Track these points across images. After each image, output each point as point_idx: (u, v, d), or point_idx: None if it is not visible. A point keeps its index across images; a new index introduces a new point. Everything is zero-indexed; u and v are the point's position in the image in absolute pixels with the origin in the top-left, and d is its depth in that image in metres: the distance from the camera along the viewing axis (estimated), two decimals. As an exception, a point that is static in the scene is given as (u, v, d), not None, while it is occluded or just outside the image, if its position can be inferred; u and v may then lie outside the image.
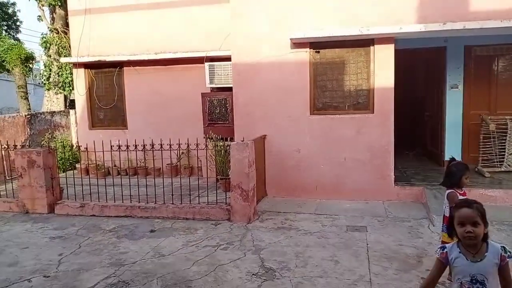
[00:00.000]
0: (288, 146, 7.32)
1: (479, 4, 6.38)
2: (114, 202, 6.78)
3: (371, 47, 6.88)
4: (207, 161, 7.23)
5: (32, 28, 60.72)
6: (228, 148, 6.81)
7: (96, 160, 8.13)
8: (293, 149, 7.30)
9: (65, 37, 12.68)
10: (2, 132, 9.72)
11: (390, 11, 6.68)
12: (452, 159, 4.14)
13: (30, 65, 14.70)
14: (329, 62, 7.13)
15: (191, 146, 6.47)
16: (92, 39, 9.97)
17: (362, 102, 7.08)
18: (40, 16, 14.18)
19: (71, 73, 11.48)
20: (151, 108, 9.83)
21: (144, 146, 6.59)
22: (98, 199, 6.86)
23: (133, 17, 9.73)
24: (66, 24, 12.26)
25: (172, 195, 6.57)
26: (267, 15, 7.22)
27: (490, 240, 2.32)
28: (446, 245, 2.43)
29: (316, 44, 7.06)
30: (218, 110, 8.60)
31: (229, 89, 8.08)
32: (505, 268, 2.26)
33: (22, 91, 14.02)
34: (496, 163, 7.50)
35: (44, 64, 13.45)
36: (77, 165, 10.17)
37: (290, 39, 6.97)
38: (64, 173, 9.23)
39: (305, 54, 7.12)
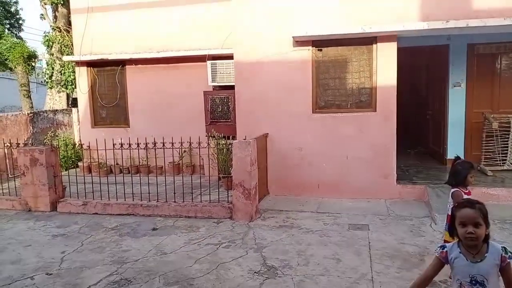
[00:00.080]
0: (290, 144, 7.31)
1: (482, 2, 6.35)
2: (117, 200, 6.80)
3: (374, 45, 6.86)
4: (209, 160, 7.23)
5: (35, 27, 60.86)
6: (230, 146, 6.81)
7: (98, 158, 8.15)
8: (295, 148, 7.30)
9: (67, 35, 12.70)
10: (5, 130, 9.75)
11: (393, 9, 6.66)
12: (457, 157, 4.13)
13: (33, 64, 14.75)
14: (332, 60, 7.12)
15: (193, 144, 6.47)
16: (94, 38, 9.99)
17: (365, 100, 7.06)
18: (42, 15, 14.20)
19: (74, 72, 11.50)
20: (153, 106, 9.84)
21: (146, 144, 6.60)
22: (100, 197, 6.88)
23: (136, 16, 9.74)
24: (69, 23, 12.27)
25: (174, 193, 6.58)
26: (269, 13, 7.21)
27: (491, 241, 2.28)
28: (446, 244, 2.40)
29: (319, 42, 7.05)
30: (220, 108, 8.61)
31: (231, 87, 8.08)
32: (507, 268, 2.23)
33: (24, 90, 14.05)
34: (498, 162, 7.48)
35: (47, 63, 13.47)
36: (80, 164, 10.20)
37: (293, 37, 6.96)
38: (67, 171, 9.22)
39: (307, 52, 7.11)
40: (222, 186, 7.37)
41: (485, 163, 7.49)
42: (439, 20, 6.33)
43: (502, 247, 2.25)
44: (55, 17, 13.59)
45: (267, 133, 7.39)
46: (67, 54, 12.00)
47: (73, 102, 13.19)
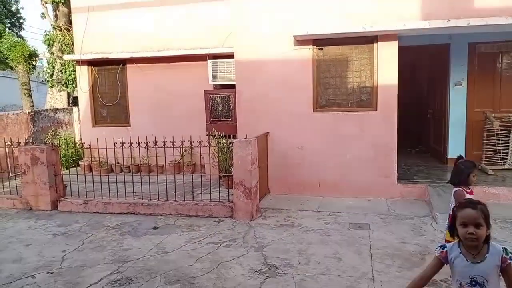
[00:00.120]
0: (291, 143, 7.31)
1: (483, 1, 6.34)
2: (117, 199, 6.80)
3: (375, 44, 6.85)
4: (210, 159, 7.24)
5: (36, 26, 60.86)
6: (231, 145, 6.81)
7: (99, 157, 8.15)
8: (296, 147, 7.30)
9: (68, 34, 12.70)
10: (6, 129, 9.76)
11: (394, 7, 6.65)
12: (460, 157, 4.12)
13: (34, 63, 14.74)
14: (332, 59, 7.11)
15: (194, 143, 6.47)
16: (95, 37, 9.99)
17: (365, 99, 7.06)
18: (43, 14, 14.21)
19: (74, 71, 11.50)
20: (154, 105, 9.84)
21: (147, 143, 6.60)
22: (101, 196, 6.88)
23: (136, 14, 9.73)
24: (69, 21, 12.27)
25: (175, 192, 6.59)
26: (270, 12, 7.20)
27: (491, 242, 2.26)
28: (447, 244, 2.39)
29: (319, 41, 7.05)
30: (221, 107, 8.60)
31: (232, 86, 8.07)
32: (508, 269, 2.21)
33: (25, 88, 14.05)
34: (499, 161, 7.48)
35: (48, 62, 13.48)
36: (80, 162, 10.21)
37: (293, 36, 6.96)
38: (68, 170, 9.26)
39: (308, 51, 7.11)
40: (223, 185, 7.37)
41: (486, 162, 7.48)
42: (440, 19, 6.32)
43: (502, 248, 2.23)
44: (56, 16, 13.60)
45: (268, 132, 7.38)
46: (67, 53, 12.01)
47: (74, 101, 13.18)
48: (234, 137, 7.50)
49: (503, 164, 7.44)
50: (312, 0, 6.98)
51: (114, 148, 6.61)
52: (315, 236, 5.35)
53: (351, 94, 7.12)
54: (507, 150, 7.45)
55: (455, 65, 8.06)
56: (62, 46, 12.74)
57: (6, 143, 7.38)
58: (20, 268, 4.63)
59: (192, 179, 6.88)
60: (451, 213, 3.97)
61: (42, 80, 20.31)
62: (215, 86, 8.97)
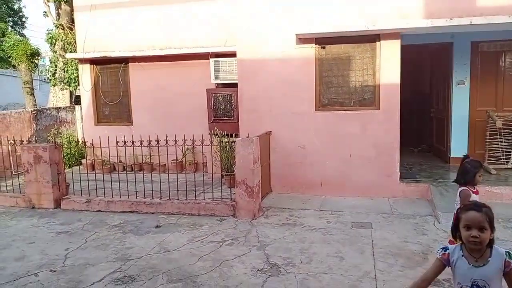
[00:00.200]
0: (293, 142, 7.31)
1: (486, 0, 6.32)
2: (120, 197, 6.82)
3: (377, 43, 6.84)
4: (212, 157, 7.24)
5: (38, 24, 60.93)
6: (233, 144, 6.82)
7: (101, 156, 8.15)
8: (298, 146, 7.30)
9: (70, 33, 12.71)
10: (9, 127, 9.78)
11: (396, 6, 6.63)
12: (466, 156, 4.11)
13: (36, 61, 14.76)
14: (335, 58, 7.10)
15: (196, 142, 6.48)
16: (97, 35, 9.99)
17: (368, 98, 7.05)
18: (45, 12, 14.21)
19: (77, 69, 11.52)
20: (156, 104, 9.85)
21: (149, 142, 6.61)
22: (104, 195, 6.90)
23: (139, 13, 9.73)
24: (72, 20, 12.28)
25: (178, 191, 6.60)
26: (272, 11, 7.19)
27: (495, 245, 2.22)
28: (449, 246, 2.35)
29: (322, 40, 7.03)
30: (223, 106, 8.60)
31: (234, 85, 8.07)
32: (511, 273, 2.17)
33: (28, 87, 14.08)
34: (502, 160, 7.46)
35: (50, 60, 13.51)
36: (83, 161, 10.22)
37: (296, 34, 6.95)
38: (70, 169, 9.28)
39: (310, 50, 7.10)
40: (225, 183, 7.38)
41: (488, 161, 7.46)
42: (443, 17, 6.31)
43: (506, 251, 2.19)
44: (58, 14, 13.60)
45: (270, 131, 7.38)
46: (70, 52, 12.02)
47: (76, 100, 13.21)
48: (236, 136, 7.50)
49: (506, 164, 7.42)
50: (315, -2, 6.98)
51: (117, 147, 6.63)
52: (317, 235, 5.36)
53: (353, 93, 7.11)
54: (510, 150, 7.43)
55: (458, 64, 8.03)
56: (64, 45, 12.76)
57: (9, 142, 7.40)
58: (23, 266, 4.65)
59: (195, 178, 6.89)
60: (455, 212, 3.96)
61: (45, 79, 20.33)
62: (217, 85, 8.97)
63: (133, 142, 6.59)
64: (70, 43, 12.64)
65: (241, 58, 7.48)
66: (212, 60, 8.74)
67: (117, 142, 6.60)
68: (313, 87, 7.16)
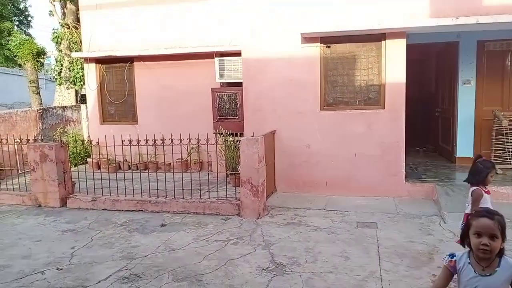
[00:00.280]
0: (298, 141, 7.30)
1: (493, -2, 6.29)
2: (125, 196, 6.85)
3: (383, 42, 6.82)
4: (217, 156, 7.26)
5: (44, 23, 61.22)
6: (238, 143, 6.82)
7: (107, 155, 8.18)
8: (303, 145, 7.29)
9: (76, 32, 12.75)
10: (15, 126, 9.85)
11: (402, 5, 6.61)
12: (479, 156, 4.10)
13: (42, 60, 14.82)
14: (340, 57, 7.09)
15: (201, 141, 6.49)
16: (102, 34, 10.03)
17: (373, 97, 7.03)
18: (51, 11, 14.27)
19: (82, 68, 11.56)
20: (161, 103, 9.87)
21: (154, 141, 6.63)
22: (109, 193, 6.93)
23: (144, 12, 9.75)
24: (77, 19, 12.32)
25: (183, 189, 6.61)
26: (277, 10, 7.18)
27: (504, 255, 2.13)
28: (456, 253, 2.27)
29: (327, 39, 7.02)
30: (228, 105, 8.60)
31: (239, 84, 8.07)
32: None
33: (33, 86, 14.15)
34: (508, 160, 7.41)
35: (56, 59, 13.57)
36: (89, 160, 10.27)
37: (301, 33, 6.94)
38: (76, 167, 9.34)
39: (315, 49, 7.09)
40: (230, 183, 7.39)
41: (494, 161, 7.39)
42: (449, 16, 6.28)
43: None
44: (64, 13, 13.66)
45: (275, 130, 7.38)
46: (75, 51, 12.06)
47: (82, 99, 13.26)
48: (241, 135, 7.51)
49: (512, 163, 7.38)
50: (320, -3, 6.96)
51: (122, 146, 6.64)
52: (323, 234, 5.35)
53: (358, 92, 7.10)
54: (516, 149, 7.39)
55: (464, 63, 7.99)
56: (70, 44, 12.80)
57: (15, 140, 7.45)
58: (30, 264, 4.68)
59: (199, 177, 6.90)
60: (466, 212, 3.92)
61: (50, 78, 20.43)
62: (222, 84, 8.98)
63: (138, 141, 6.61)
64: (76, 42, 12.69)
65: (246, 57, 7.49)
66: (216, 59, 8.74)
67: (122, 141, 6.62)
68: (318, 86, 7.15)
